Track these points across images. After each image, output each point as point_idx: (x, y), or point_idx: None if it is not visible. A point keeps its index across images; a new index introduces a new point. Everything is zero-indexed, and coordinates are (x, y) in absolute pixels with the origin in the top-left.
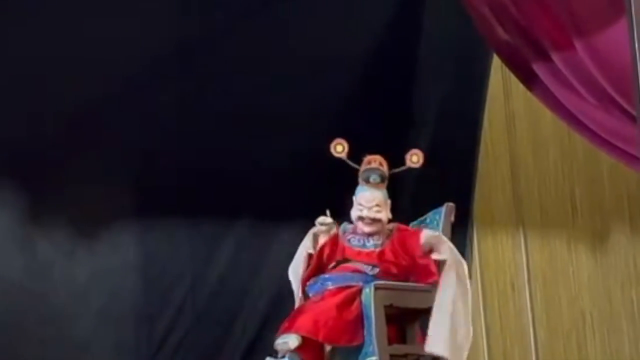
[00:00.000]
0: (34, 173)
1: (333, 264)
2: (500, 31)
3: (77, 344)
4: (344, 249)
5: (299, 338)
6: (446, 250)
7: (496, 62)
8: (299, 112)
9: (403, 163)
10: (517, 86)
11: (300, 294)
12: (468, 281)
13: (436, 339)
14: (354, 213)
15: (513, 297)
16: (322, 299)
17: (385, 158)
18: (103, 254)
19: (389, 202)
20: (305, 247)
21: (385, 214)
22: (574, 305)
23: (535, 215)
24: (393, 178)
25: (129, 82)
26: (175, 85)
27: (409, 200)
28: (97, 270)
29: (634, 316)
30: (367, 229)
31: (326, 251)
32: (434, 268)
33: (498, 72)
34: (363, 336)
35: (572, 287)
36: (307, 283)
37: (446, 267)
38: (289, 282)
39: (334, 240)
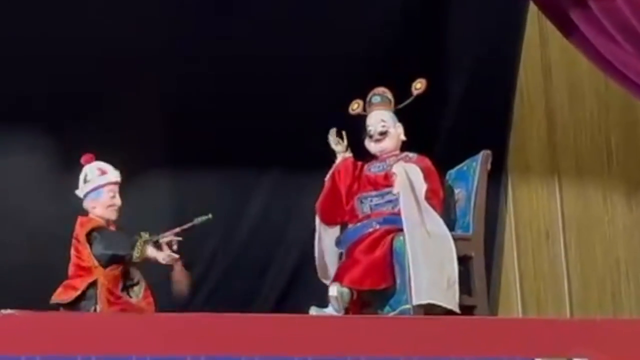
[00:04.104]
0: (67, 121)
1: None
2: None
3: None
4: (367, 179)
5: (338, 289)
6: (397, 184)
7: (533, 10)
8: (333, 59)
9: (438, 112)
10: (554, 34)
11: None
12: (426, 204)
13: (418, 290)
14: (366, 140)
15: (547, 245)
16: (351, 251)
17: (420, 109)
18: (135, 202)
19: (399, 124)
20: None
21: (395, 131)
22: (609, 253)
23: (571, 164)
24: (428, 128)
25: (163, 32)
26: (208, 36)
27: (444, 149)
28: (130, 219)
29: None
30: (376, 145)
31: (344, 179)
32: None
33: (535, 20)
34: (390, 280)
35: (607, 235)
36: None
37: (402, 205)
38: None
39: (354, 170)
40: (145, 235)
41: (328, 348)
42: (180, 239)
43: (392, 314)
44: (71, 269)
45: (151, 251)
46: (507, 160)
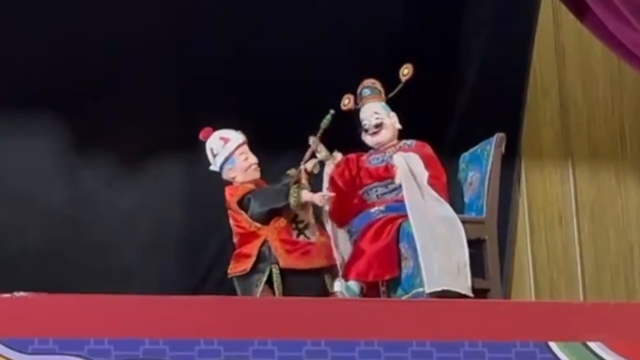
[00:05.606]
0: (77, 102)
1: (362, 191)
2: None
3: (121, 273)
4: (367, 172)
5: (342, 283)
6: (398, 175)
7: None
8: (346, 44)
9: (451, 96)
10: (568, 17)
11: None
12: (430, 190)
13: (429, 278)
14: (362, 134)
15: (560, 230)
16: (358, 242)
17: (433, 93)
18: (148, 183)
19: (392, 114)
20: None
21: (389, 121)
22: (622, 238)
23: (584, 148)
24: (442, 111)
25: (171, 12)
26: (214, 28)
27: (458, 133)
28: (142, 200)
29: None
30: (372, 138)
31: (342, 183)
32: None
33: (548, 3)
34: (396, 270)
35: (620, 220)
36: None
37: (406, 194)
38: None
39: (350, 169)
40: (292, 172)
41: (341, 331)
42: (320, 158)
43: (405, 297)
44: (236, 240)
45: (307, 195)
46: (520, 144)
